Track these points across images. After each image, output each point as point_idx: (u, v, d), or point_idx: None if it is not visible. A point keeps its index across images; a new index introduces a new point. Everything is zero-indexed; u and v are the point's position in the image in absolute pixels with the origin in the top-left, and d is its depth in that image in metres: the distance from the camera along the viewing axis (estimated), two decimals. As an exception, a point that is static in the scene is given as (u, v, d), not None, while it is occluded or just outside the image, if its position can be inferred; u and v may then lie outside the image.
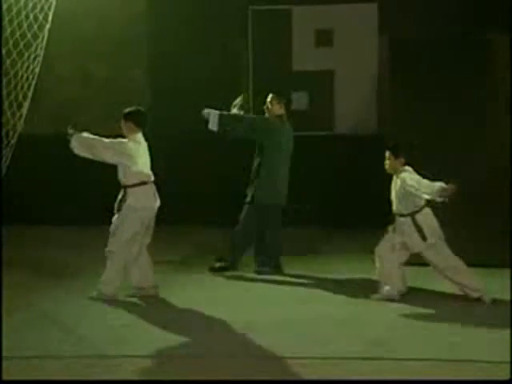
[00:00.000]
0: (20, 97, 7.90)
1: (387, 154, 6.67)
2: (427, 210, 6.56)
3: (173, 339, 5.56)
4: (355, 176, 9.92)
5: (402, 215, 6.56)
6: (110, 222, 6.70)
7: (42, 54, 7.72)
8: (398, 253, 6.57)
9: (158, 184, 6.85)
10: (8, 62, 7.93)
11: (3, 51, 7.97)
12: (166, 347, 5.39)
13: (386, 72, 9.67)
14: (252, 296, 6.88)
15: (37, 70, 7.81)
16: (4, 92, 7.99)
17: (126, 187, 6.64)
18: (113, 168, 6.78)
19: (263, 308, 6.45)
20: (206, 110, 7.61)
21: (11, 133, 8.01)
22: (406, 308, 6.36)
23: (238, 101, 7.93)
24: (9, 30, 7.83)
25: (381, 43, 9.99)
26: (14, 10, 7.73)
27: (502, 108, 8.05)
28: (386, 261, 6.57)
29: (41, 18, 7.75)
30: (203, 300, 6.66)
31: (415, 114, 8.30)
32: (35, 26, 7.76)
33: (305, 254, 8.64)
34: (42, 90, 8.53)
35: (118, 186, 6.81)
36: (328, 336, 5.64)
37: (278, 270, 7.69)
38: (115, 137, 6.83)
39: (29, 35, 7.76)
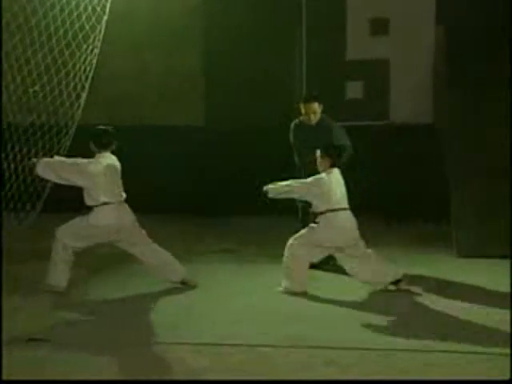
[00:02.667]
0: (78, 87, 8.09)
1: (318, 153, 6.59)
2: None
3: (222, 328, 5.62)
4: (410, 166, 9.83)
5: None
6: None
7: (99, 45, 7.88)
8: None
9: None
10: (67, 53, 8.12)
11: (62, 43, 8.14)
12: (214, 336, 5.44)
13: (442, 61, 9.54)
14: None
15: (94, 61, 7.97)
16: (63, 83, 8.17)
17: (87, 207, 6.50)
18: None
19: (317, 299, 6.45)
20: None
21: (70, 123, 8.20)
22: (456, 302, 6.29)
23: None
24: (68, 22, 8.01)
25: (437, 32, 9.85)
26: (73, 2, 7.90)
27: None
28: None
29: (98, 9, 7.90)
30: (250, 290, 6.67)
31: (471, 103, 8.18)
32: (93, 18, 7.92)
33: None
34: (98, 82, 8.69)
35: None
36: (383, 327, 5.65)
37: (331, 261, 7.67)
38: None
39: (87, 27, 7.93)
